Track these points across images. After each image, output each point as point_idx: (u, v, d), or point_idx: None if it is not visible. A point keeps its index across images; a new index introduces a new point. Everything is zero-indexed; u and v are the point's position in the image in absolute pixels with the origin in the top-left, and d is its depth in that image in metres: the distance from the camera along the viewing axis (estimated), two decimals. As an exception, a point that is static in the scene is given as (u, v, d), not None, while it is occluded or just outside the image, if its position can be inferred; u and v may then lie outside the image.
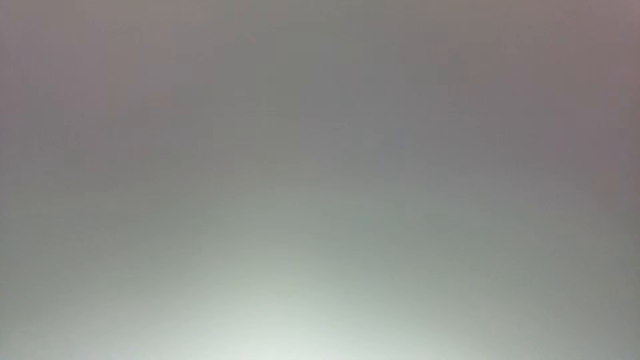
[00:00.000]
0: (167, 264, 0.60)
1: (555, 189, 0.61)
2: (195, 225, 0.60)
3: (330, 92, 0.62)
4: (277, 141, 0.62)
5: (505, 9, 0.63)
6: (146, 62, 0.62)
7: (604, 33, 0.63)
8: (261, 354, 0.59)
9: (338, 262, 0.60)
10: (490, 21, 0.63)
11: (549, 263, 0.60)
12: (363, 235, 0.60)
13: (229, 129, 0.62)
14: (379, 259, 0.60)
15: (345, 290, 0.60)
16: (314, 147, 0.61)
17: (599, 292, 0.60)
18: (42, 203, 0.61)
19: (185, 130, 0.62)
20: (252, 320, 0.60)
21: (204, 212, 0.61)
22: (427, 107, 0.62)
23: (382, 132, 0.62)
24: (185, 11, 0.63)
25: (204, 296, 0.60)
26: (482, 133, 0.62)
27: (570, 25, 0.63)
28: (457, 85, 0.62)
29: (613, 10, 0.63)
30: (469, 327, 0.60)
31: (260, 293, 0.60)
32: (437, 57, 0.63)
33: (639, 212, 0.61)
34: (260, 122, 0.62)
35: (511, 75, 0.62)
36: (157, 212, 0.61)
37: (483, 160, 0.61)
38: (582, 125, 0.62)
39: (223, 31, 0.63)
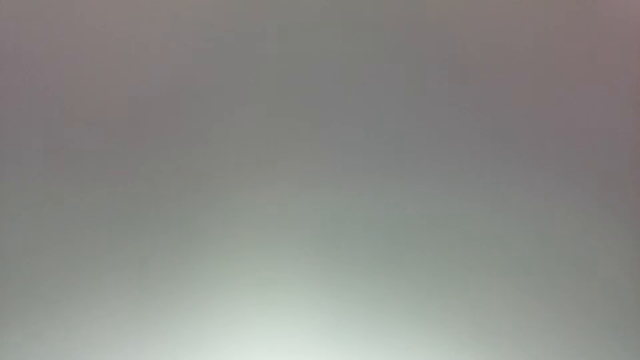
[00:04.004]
0: (167, 264, 0.60)
1: (555, 188, 0.61)
2: (196, 225, 0.60)
3: (331, 91, 0.62)
4: (277, 141, 0.62)
5: (506, 8, 0.63)
6: (146, 61, 0.62)
7: (604, 33, 0.63)
8: (262, 353, 0.59)
9: (338, 261, 0.60)
10: (490, 21, 0.63)
11: (549, 263, 0.60)
12: (363, 235, 0.60)
13: (230, 129, 0.62)
14: (380, 259, 0.60)
15: (346, 290, 0.60)
16: (314, 147, 0.61)
17: (599, 292, 0.60)
18: (41, 203, 0.61)
19: (185, 130, 0.62)
20: (253, 320, 0.60)
21: (204, 212, 0.61)
22: (428, 107, 0.62)
23: (383, 132, 0.62)
24: (186, 10, 0.63)
25: (205, 296, 0.60)
26: (482, 133, 0.62)
27: (570, 24, 0.63)
28: (458, 84, 0.62)
29: (613, 10, 0.63)
30: (469, 327, 0.60)
31: (261, 293, 0.60)
32: (438, 56, 0.63)
33: (639, 212, 0.61)
34: (261, 121, 0.62)
35: (511, 75, 0.62)
36: (157, 212, 0.61)
37: (483, 160, 0.61)
38: (582, 125, 0.62)
39: (223, 31, 0.63)
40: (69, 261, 0.60)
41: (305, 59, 0.63)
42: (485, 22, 0.63)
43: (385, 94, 0.62)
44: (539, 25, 0.63)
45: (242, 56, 0.63)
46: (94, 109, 0.62)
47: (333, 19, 0.63)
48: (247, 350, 0.59)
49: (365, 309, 0.60)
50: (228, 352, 0.59)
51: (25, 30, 0.63)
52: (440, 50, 0.63)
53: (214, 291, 0.60)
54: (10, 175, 0.61)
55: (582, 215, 0.61)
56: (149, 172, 0.61)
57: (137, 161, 0.61)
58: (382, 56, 0.63)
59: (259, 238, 0.60)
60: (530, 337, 0.60)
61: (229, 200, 0.61)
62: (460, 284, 0.60)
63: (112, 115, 0.62)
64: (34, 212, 0.61)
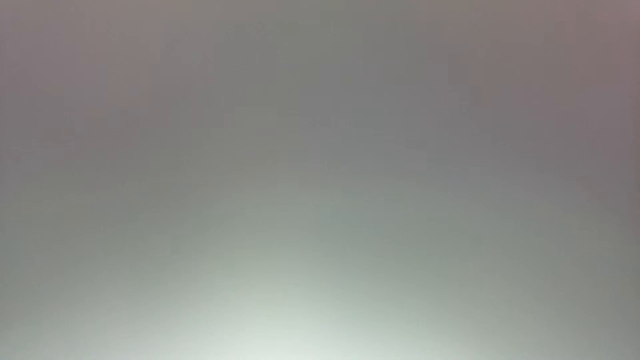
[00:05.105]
0: (166, 264, 0.60)
1: (555, 188, 0.61)
2: (195, 224, 0.60)
3: (331, 91, 0.62)
4: (277, 141, 0.62)
5: (506, 9, 0.63)
6: (146, 61, 0.62)
7: (604, 33, 0.63)
8: (262, 354, 0.59)
9: (338, 261, 0.60)
10: (491, 21, 0.63)
11: (549, 263, 0.60)
12: (363, 235, 0.60)
13: (229, 129, 0.62)
14: (380, 259, 0.60)
15: (346, 290, 0.60)
16: (315, 147, 0.61)
17: (600, 291, 0.60)
18: (41, 202, 0.61)
19: (185, 130, 0.62)
20: (253, 320, 0.60)
21: (204, 212, 0.61)
22: (428, 107, 0.62)
23: (383, 132, 0.62)
24: (186, 10, 0.63)
25: (204, 296, 0.60)
26: (482, 133, 0.62)
27: (570, 25, 0.63)
28: (458, 85, 0.62)
29: (613, 10, 0.63)
30: (469, 327, 0.60)
31: (261, 293, 0.60)
32: (438, 57, 0.62)
33: (639, 212, 0.61)
34: (260, 121, 0.62)
35: (512, 75, 0.62)
36: (157, 212, 0.60)
37: (484, 160, 0.61)
38: (583, 125, 0.62)
39: (223, 30, 0.63)
40: (68, 260, 0.60)
41: (304, 60, 0.63)
42: (486, 22, 0.63)
43: (385, 95, 0.62)
44: (539, 26, 0.63)
45: (240, 57, 0.63)
46: (93, 110, 0.62)
47: (333, 19, 0.63)
48: (246, 351, 0.59)
49: (364, 308, 0.60)
50: (228, 351, 0.59)
51: (25, 31, 0.63)
52: (440, 51, 0.63)
53: (213, 291, 0.60)
54: (10, 175, 0.61)
55: (583, 215, 0.61)
56: (149, 172, 0.61)
57: (136, 162, 0.61)
58: (382, 57, 0.62)
59: (258, 238, 0.60)
60: (532, 336, 0.60)
61: (228, 201, 0.61)
62: (460, 283, 0.60)
63: (112, 116, 0.62)
64: (33, 211, 0.61)
